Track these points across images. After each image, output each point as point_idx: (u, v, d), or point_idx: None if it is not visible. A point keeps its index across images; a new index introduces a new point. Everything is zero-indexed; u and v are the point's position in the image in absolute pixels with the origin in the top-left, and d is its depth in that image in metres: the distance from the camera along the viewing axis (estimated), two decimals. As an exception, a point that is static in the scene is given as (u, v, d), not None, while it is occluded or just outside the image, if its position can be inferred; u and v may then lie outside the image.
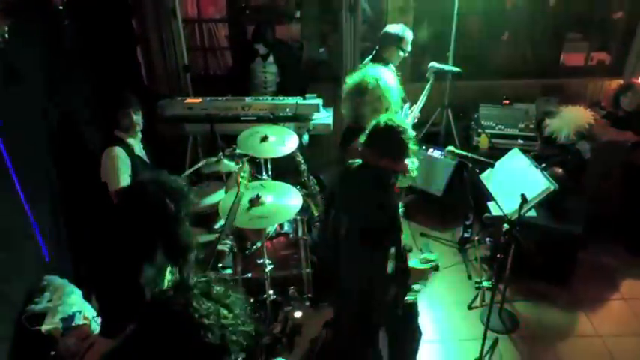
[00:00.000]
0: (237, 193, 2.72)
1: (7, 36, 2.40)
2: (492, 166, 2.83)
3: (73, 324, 2.68)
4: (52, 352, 2.60)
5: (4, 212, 2.59)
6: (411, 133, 2.32)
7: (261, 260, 3.22)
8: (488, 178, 3.30)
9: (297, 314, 3.31)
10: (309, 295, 3.48)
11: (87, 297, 2.91)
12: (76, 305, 2.75)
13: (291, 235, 3.60)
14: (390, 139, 2.28)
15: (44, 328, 2.60)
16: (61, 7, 3.00)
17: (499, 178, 3.41)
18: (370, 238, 2.33)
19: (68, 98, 3.32)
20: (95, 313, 2.86)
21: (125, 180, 3.12)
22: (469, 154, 2.76)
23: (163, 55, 4.72)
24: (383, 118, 2.33)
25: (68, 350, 2.64)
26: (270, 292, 3.30)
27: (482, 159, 2.79)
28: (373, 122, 2.37)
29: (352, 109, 2.89)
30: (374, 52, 3.92)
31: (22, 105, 2.78)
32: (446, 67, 4.11)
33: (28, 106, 2.88)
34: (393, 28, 3.84)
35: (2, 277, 2.55)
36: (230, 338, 1.31)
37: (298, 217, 3.69)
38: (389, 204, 2.37)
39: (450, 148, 2.77)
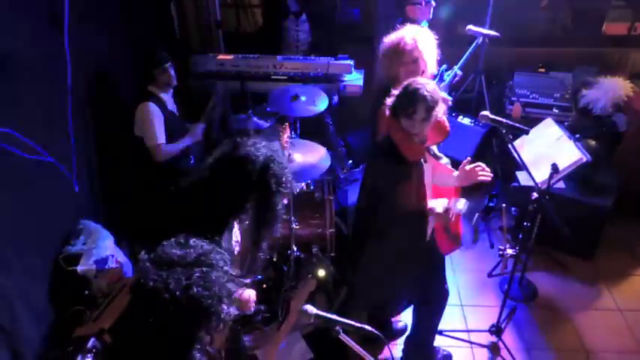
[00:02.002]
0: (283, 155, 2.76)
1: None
2: (527, 133, 2.77)
3: (106, 267, 2.80)
4: (86, 292, 2.74)
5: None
6: (441, 97, 2.29)
7: (287, 217, 3.28)
8: (520, 147, 3.27)
9: (321, 273, 3.39)
10: (332, 254, 3.56)
11: (118, 243, 3.03)
12: (109, 249, 2.87)
13: (317, 195, 3.65)
14: (408, 96, 2.27)
15: (79, 269, 2.73)
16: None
17: (531, 146, 3.37)
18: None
19: (102, 52, 3.36)
20: (126, 259, 3.00)
21: (161, 135, 3.20)
22: (504, 120, 2.71)
23: (196, 11, 4.71)
24: (413, 81, 2.32)
25: (100, 291, 2.78)
26: (295, 248, 3.37)
27: (517, 125, 2.73)
28: (404, 83, 2.36)
29: (387, 70, 2.86)
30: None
31: (58, 52, 2.83)
32: (483, 31, 4.00)
33: (62, 56, 2.93)
34: None
35: (42, 219, 2.66)
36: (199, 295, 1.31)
37: (325, 178, 3.72)
38: (388, 173, 2.40)
39: (485, 112, 2.72)
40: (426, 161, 2.51)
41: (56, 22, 2.73)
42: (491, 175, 2.51)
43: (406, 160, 2.40)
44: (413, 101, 2.26)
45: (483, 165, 2.51)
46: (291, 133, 3.83)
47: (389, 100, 2.39)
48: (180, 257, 1.37)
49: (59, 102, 2.86)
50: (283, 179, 1.94)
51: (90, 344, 2.42)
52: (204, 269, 1.35)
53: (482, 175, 2.49)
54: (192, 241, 1.44)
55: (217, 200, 1.88)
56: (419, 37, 2.79)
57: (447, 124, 2.72)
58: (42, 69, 2.70)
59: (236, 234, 2.15)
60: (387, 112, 2.40)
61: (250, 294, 2.10)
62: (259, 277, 2.19)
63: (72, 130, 2.91)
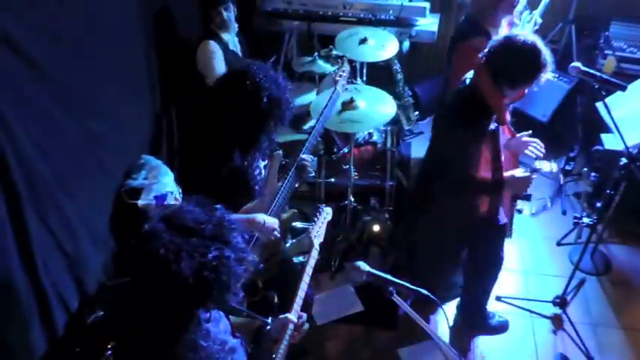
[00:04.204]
0: (334, 91, 2.63)
1: None
2: (623, 89, 2.46)
3: (165, 203, 2.84)
4: (145, 226, 2.80)
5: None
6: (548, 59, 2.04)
7: (347, 166, 3.18)
8: (611, 106, 2.93)
9: (376, 227, 3.31)
10: (390, 207, 3.44)
11: (178, 181, 3.06)
12: (169, 186, 2.89)
13: (379, 146, 3.50)
14: (504, 58, 2.03)
15: (139, 202, 2.78)
16: None
17: (624, 106, 3.02)
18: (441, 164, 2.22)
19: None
20: (184, 196, 3.03)
21: (221, 74, 3.15)
22: (597, 74, 2.41)
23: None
24: (519, 35, 2.06)
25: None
26: (352, 199, 3.28)
27: (613, 80, 2.43)
28: (504, 35, 2.10)
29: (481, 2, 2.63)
30: None
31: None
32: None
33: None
34: None
35: (107, 151, 2.72)
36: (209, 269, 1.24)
37: (388, 128, 3.56)
38: (461, 138, 2.17)
39: (576, 63, 2.42)
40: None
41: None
42: (542, 154, 2.41)
43: (489, 115, 2.17)
44: (535, 71, 2.03)
45: (541, 143, 2.41)
46: (356, 77, 3.67)
47: (484, 50, 2.13)
48: (198, 225, 1.28)
49: (127, 39, 2.85)
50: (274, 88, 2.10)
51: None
52: (221, 248, 1.25)
53: (530, 151, 2.39)
54: (214, 209, 1.36)
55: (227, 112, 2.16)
56: None
57: None
58: (111, 5, 2.67)
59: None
60: (481, 67, 2.14)
61: (273, 223, 2.20)
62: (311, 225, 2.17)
63: (140, 66, 2.91)
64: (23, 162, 2.11)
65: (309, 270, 1.89)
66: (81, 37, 2.46)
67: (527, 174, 2.26)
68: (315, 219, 2.12)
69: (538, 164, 2.29)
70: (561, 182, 3.81)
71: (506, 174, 2.27)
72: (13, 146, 2.04)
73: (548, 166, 2.28)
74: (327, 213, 2.19)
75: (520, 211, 2.56)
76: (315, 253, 1.99)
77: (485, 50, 2.11)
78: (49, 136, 2.27)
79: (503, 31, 2.66)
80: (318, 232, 2.09)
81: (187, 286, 1.22)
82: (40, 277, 2.22)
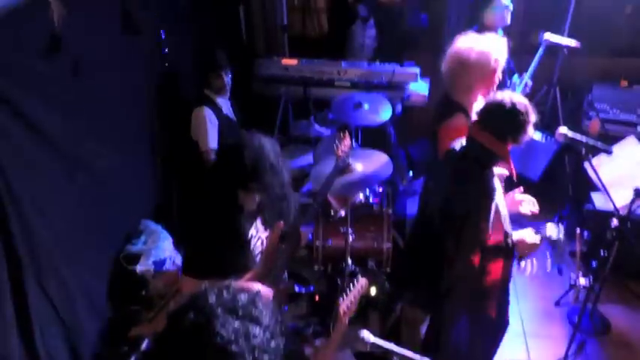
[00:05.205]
0: (336, 165, 2.68)
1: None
2: (610, 153, 2.55)
3: (164, 268, 2.85)
4: (143, 292, 2.79)
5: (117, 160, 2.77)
6: (533, 117, 2.12)
7: (344, 229, 3.20)
8: (598, 166, 3.02)
9: (373, 291, 3.28)
10: (388, 270, 3.44)
11: (177, 245, 3.07)
12: (167, 251, 2.91)
13: (375, 207, 3.54)
14: (502, 117, 2.10)
15: (138, 268, 2.78)
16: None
17: (610, 166, 3.12)
18: (448, 221, 2.20)
19: (173, 50, 3.43)
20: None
21: (214, 140, 3.21)
22: (584, 139, 2.50)
23: (263, 15, 4.73)
24: (504, 94, 2.16)
25: (157, 292, 2.82)
26: (350, 261, 3.28)
27: (599, 145, 2.51)
28: (492, 96, 2.19)
29: (459, 79, 2.69)
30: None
31: (137, 53, 2.91)
32: (563, 41, 3.75)
33: (141, 55, 3.01)
34: None
35: (109, 217, 2.73)
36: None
37: (383, 189, 3.62)
38: (475, 189, 2.19)
39: (563, 129, 2.52)
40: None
41: (130, 23, 2.80)
42: (536, 212, 2.39)
43: (493, 165, 2.20)
44: (522, 123, 2.09)
45: (534, 200, 2.41)
46: (352, 141, 3.76)
47: (476, 116, 2.20)
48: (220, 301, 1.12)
49: (129, 102, 2.94)
50: (273, 163, 2.07)
51: (144, 346, 2.44)
52: (246, 324, 1.11)
53: (525, 209, 2.38)
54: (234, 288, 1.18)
55: (219, 183, 2.09)
56: (500, 49, 2.62)
57: None
58: (114, 70, 2.77)
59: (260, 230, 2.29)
60: (478, 128, 2.19)
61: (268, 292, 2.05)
62: (311, 288, 2.15)
63: (140, 130, 2.99)
64: (25, 227, 2.14)
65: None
66: (87, 106, 2.55)
67: (537, 239, 2.25)
68: (348, 290, 1.90)
69: (549, 230, 2.30)
70: (562, 243, 3.83)
71: (515, 236, 2.27)
72: (16, 210, 2.07)
73: (556, 232, 2.30)
74: (361, 285, 1.94)
75: (523, 271, 2.55)
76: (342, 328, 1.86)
77: (479, 114, 2.19)
78: (50, 200, 2.30)
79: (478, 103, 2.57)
80: (349, 306, 1.88)
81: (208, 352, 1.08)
82: (36, 345, 2.19)
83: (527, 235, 2.26)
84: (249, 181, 2.09)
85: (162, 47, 3.24)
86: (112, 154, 2.75)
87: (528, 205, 2.42)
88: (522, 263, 2.45)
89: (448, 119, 2.62)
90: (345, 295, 1.90)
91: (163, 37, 3.21)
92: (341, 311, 1.89)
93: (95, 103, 2.62)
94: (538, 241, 2.24)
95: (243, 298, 1.11)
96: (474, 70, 2.55)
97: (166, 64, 3.33)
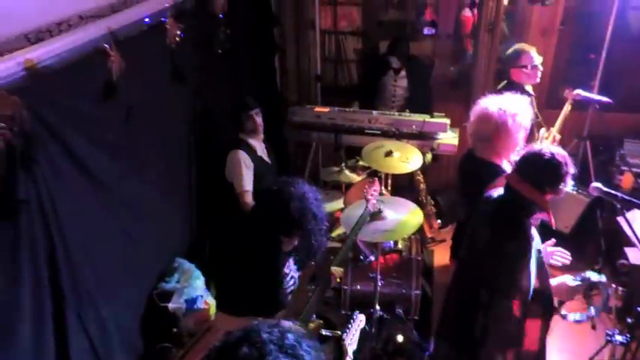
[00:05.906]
0: (365, 209, 2.75)
1: (179, 39, 2.69)
2: (643, 208, 2.55)
3: (195, 307, 2.89)
4: (174, 330, 2.83)
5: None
6: (572, 168, 2.14)
7: (373, 274, 3.22)
8: (632, 220, 3.00)
9: (400, 338, 3.26)
10: (416, 317, 3.42)
11: (207, 285, 3.12)
12: (199, 290, 2.96)
13: (404, 254, 3.56)
14: (542, 167, 2.12)
15: (170, 306, 2.83)
16: (221, 16, 3.29)
17: (645, 223, 3.08)
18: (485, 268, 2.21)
19: (212, 98, 3.60)
20: (214, 301, 3.07)
21: (249, 182, 3.31)
22: (619, 194, 2.52)
23: (298, 64, 4.93)
24: (542, 145, 2.22)
25: (187, 330, 2.86)
26: (377, 307, 3.28)
27: (635, 200, 2.52)
28: (530, 147, 2.23)
29: (475, 138, 2.76)
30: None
31: (180, 101, 3.07)
32: (594, 96, 3.80)
33: (182, 103, 3.18)
34: (509, 49, 3.67)
35: (144, 255, 2.82)
36: None
37: (413, 236, 3.64)
38: (513, 237, 2.20)
39: (597, 184, 2.54)
40: None
41: (177, 73, 2.98)
42: (567, 262, 2.43)
43: (532, 214, 2.19)
44: (562, 174, 2.11)
45: (567, 252, 2.45)
46: (381, 188, 3.83)
47: (514, 166, 2.23)
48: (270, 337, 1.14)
49: (169, 144, 3.08)
50: (316, 212, 2.26)
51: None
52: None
53: (556, 260, 2.42)
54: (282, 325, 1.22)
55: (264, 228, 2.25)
56: (525, 111, 2.66)
57: None
58: (159, 114, 2.93)
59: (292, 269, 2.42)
60: (517, 179, 2.19)
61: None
62: (341, 332, 2.18)
63: (178, 171, 3.11)
64: (69, 262, 2.22)
65: None
66: (132, 147, 2.68)
67: (577, 283, 2.25)
68: (349, 326, 2.11)
69: (589, 274, 2.30)
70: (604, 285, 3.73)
71: (553, 282, 2.27)
72: (64, 249, 2.16)
73: (597, 277, 2.29)
74: (360, 320, 2.17)
75: (564, 317, 2.50)
76: None
77: (518, 164, 2.22)
78: (94, 239, 2.40)
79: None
80: (351, 340, 2.08)
81: None
82: (71, 379, 2.23)
83: (567, 279, 2.28)
84: (293, 229, 2.18)
85: (202, 94, 3.41)
86: (150, 193, 2.87)
87: (560, 256, 2.43)
88: (563, 310, 2.42)
89: (487, 184, 2.52)
90: (347, 330, 2.11)
91: (202, 84, 3.38)
92: (346, 345, 2.04)
93: (139, 144, 2.76)
94: (579, 284, 2.23)
95: (291, 337, 1.13)
96: (497, 133, 2.62)
97: (205, 110, 3.49)
